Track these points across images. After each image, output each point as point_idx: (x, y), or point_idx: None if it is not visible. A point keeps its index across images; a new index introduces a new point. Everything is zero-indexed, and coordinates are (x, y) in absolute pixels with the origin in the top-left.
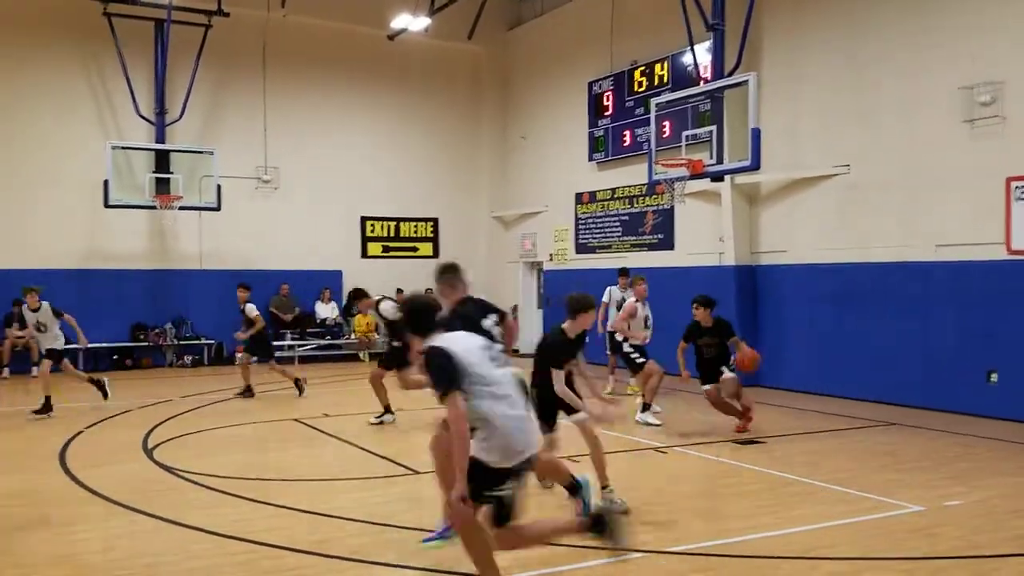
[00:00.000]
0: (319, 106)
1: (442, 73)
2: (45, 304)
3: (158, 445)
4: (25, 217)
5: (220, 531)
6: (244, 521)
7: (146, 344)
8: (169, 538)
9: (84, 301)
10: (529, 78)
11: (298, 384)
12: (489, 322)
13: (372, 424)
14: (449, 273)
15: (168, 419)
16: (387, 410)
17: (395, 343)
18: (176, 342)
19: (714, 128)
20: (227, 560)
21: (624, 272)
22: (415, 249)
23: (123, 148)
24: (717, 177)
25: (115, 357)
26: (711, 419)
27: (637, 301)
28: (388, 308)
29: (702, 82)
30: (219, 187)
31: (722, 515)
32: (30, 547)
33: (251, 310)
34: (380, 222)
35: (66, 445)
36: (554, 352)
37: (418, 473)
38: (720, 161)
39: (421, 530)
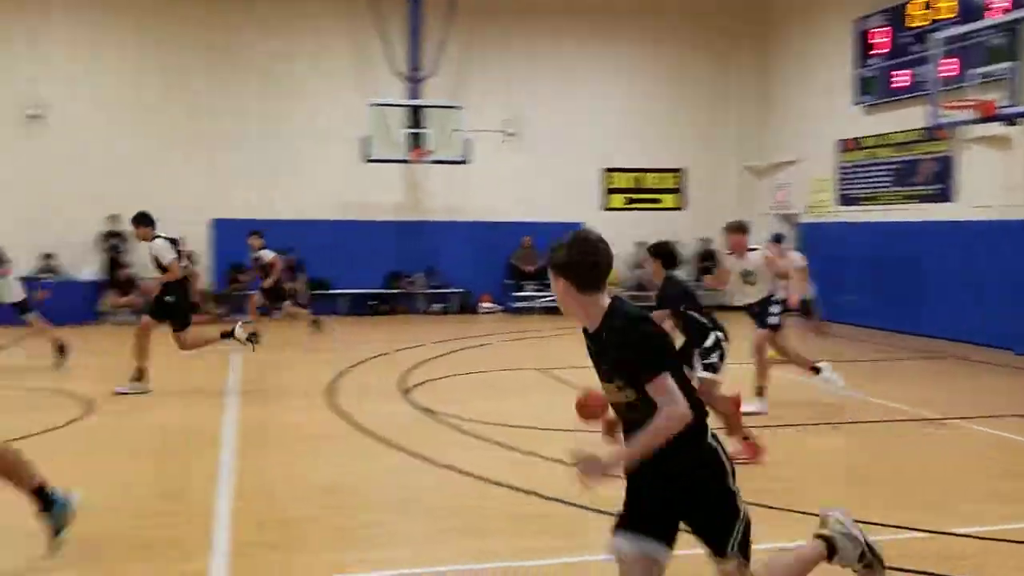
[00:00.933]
0: (563, 57)
1: (692, 15)
2: None
3: (414, 387)
4: (290, 171)
5: (474, 472)
6: (495, 464)
7: (399, 292)
8: (426, 476)
9: (342, 251)
10: (787, 16)
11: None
12: None
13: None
14: None
15: (421, 363)
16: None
17: (168, 297)
18: (427, 290)
19: (1010, 65)
20: (481, 502)
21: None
22: (659, 201)
23: (380, 105)
24: (1011, 120)
25: (371, 303)
26: (994, 384)
27: (731, 253)
28: (161, 247)
29: (994, 13)
30: (468, 141)
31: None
32: (302, 475)
33: (266, 255)
34: (623, 173)
35: (332, 383)
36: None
37: None
38: (1016, 102)
39: None
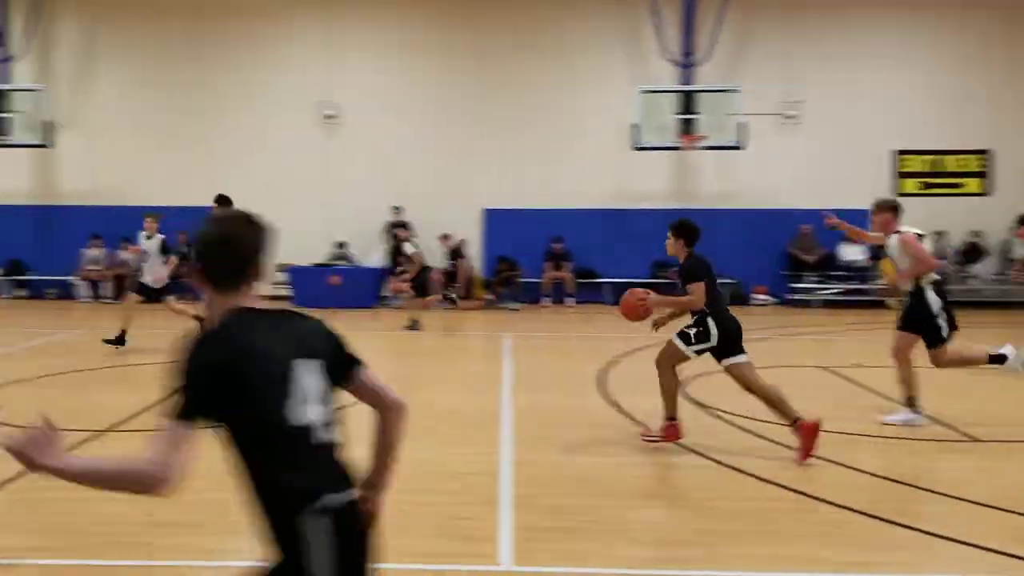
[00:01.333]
0: (848, 32)
1: None
2: (160, 236)
3: (686, 380)
4: (559, 160)
5: (756, 473)
6: (776, 465)
7: (666, 281)
8: (705, 473)
9: (609, 238)
10: None
11: None
12: None
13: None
14: None
15: None
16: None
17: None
18: None
19: None
20: (765, 504)
21: None
22: (960, 186)
23: (651, 92)
24: None
25: None
26: None
27: (879, 234)
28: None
29: None
30: (742, 125)
31: None
32: (580, 464)
33: (408, 248)
34: (918, 156)
35: (601, 372)
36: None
37: (977, 441)
38: None
39: (975, 503)
